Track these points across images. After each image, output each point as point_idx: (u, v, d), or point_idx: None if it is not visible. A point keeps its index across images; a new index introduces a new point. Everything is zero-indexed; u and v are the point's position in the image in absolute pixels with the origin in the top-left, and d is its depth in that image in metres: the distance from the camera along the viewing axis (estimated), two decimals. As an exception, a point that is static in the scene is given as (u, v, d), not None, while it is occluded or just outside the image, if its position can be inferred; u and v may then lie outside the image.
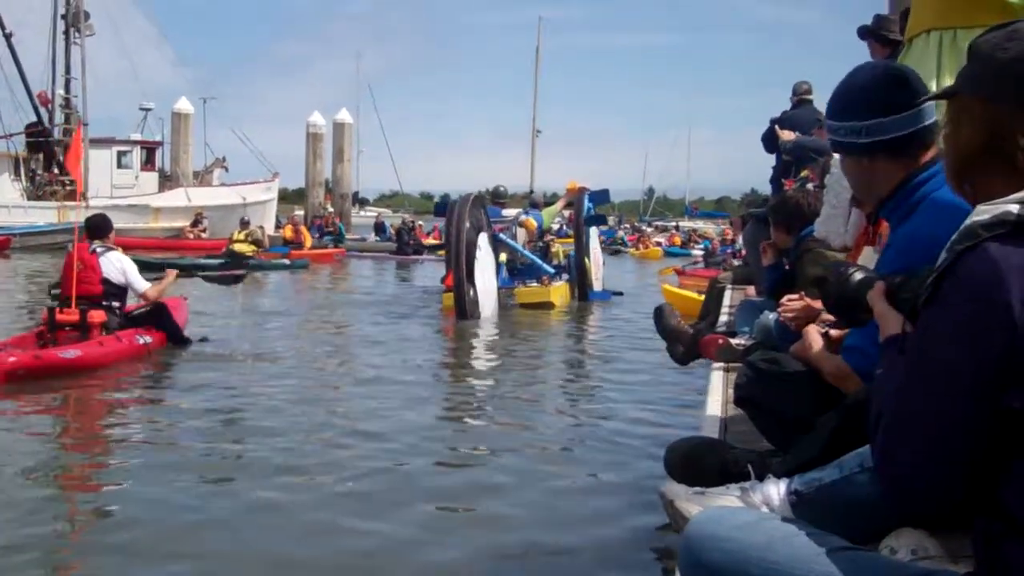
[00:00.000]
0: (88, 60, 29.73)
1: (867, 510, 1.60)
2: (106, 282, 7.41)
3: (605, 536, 3.60)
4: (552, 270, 13.24)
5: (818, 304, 2.45)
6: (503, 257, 12.74)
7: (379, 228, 32.12)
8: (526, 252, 13.23)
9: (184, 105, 33.87)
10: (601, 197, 15.22)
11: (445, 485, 4.25)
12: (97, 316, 7.11)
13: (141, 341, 7.47)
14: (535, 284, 12.69)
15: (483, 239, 11.58)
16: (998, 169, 1.27)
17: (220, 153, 33.79)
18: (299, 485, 4.11)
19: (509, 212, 14.07)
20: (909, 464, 1.22)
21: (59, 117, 29.41)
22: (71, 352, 6.66)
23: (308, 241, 24.73)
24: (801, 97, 7.29)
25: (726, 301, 6.95)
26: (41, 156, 28.60)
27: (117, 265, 7.56)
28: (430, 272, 19.07)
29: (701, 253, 27.79)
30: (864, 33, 5.10)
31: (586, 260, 13.60)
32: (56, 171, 28.10)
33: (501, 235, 12.89)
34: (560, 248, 14.59)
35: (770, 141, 6.93)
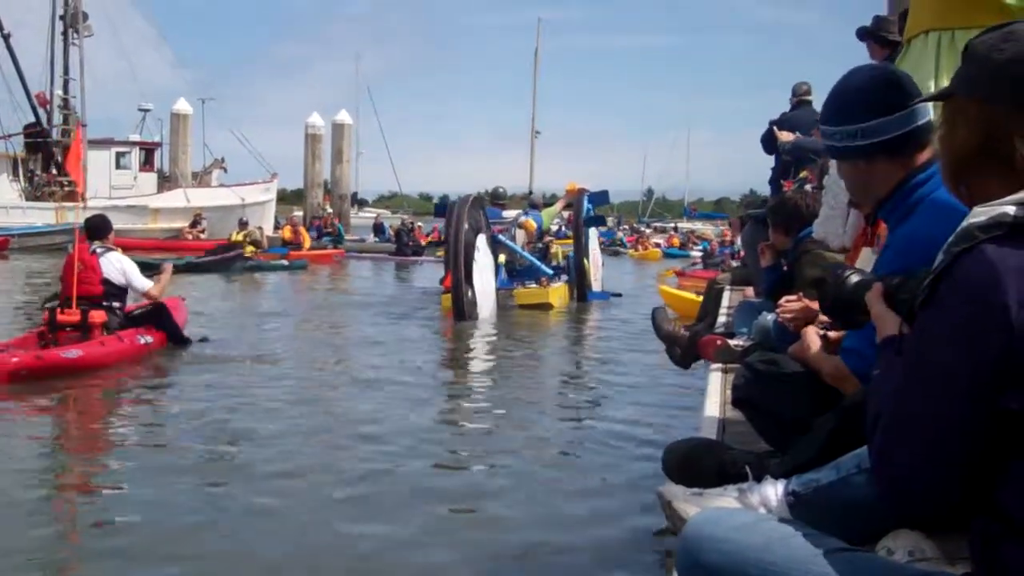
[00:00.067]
0: (86, 61, 29.78)
1: (864, 511, 1.59)
2: (106, 282, 7.43)
3: (603, 537, 3.60)
4: (551, 271, 13.24)
5: (816, 305, 2.45)
6: (502, 258, 12.74)
7: (378, 229, 32.13)
8: (525, 253, 13.23)
9: (183, 106, 33.87)
10: (600, 198, 15.23)
11: (443, 487, 4.25)
12: (98, 316, 7.14)
13: (142, 341, 7.51)
14: (534, 285, 12.70)
15: (481, 240, 11.58)
16: (994, 170, 1.27)
17: (219, 154, 33.77)
18: (298, 488, 4.11)
19: (509, 213, 14.07)
20: (906, 465, 1.22)
21: (57, 118, 29.40)
22: (73, 352, 6.69)
23: (307, 242, 24.72)
24: (800, 98, 7.29)
25: (724, 302, 6.94)
26: (39, 157, 28.58)
27: (117, 266, 7.58)
28: (429, 273, 19.07)
29: (700, 254, 27.81)
30: (863, 34, 5.10)
31: (585, 261, 13.61)
32: (54, 172, 28.08)
33: (500, 236, 12.90)
34: (559, 249, 14.59)
35: (769, 142, 6.93)
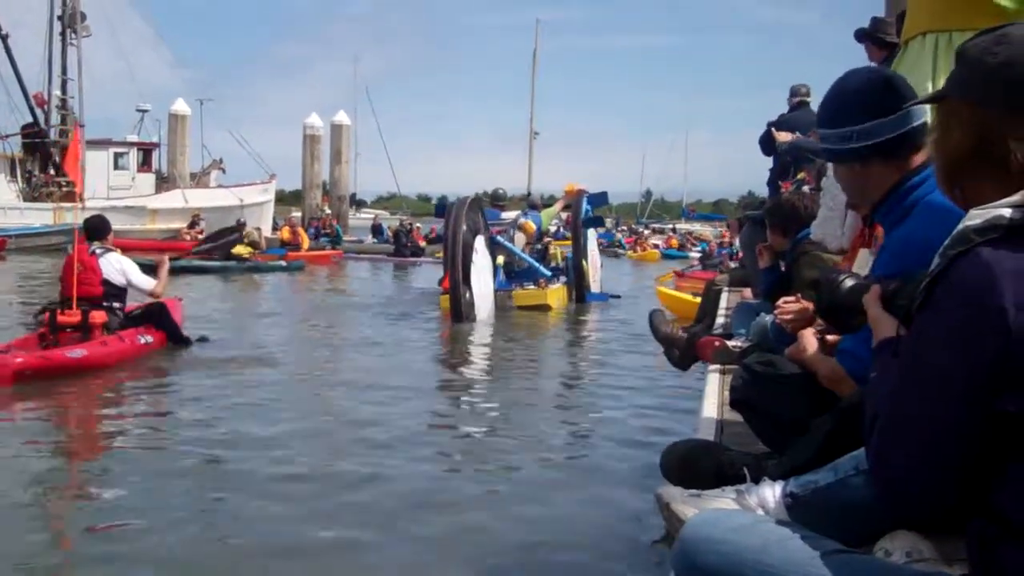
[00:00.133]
0: (84, 61, 29.77)
1: (862, 513, 1.60)
2: (106, 283, 7.45)
3: (601, 538, 3.60)
4: (549, 273, 13.25)
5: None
6: (500, 260, 12.75)
7: (376, 230, 32.15)
8: (524, 255, 13.23)
9: (181, 106, 33.84)
10: (600, 199, 15.25)
11: (441, 489, 4.23)
12: (98, 317, 7.16)
13: (143, 341, 7.55)
14: (532, 287, 12.70)
15: (479, 242, 11.58)
16: (988, 173, 1.27)
17: (217, 155, 33.74)
18: (296, 492, 4.08)
19: (508, 215, 14.08)
20: (903, 467, 1.22)
21: (55, 118, 29.37)
22: (77, 352, 6.72)
23: (305, 243, 24.73)
24: (800, 99, 7.30)
25: (722, 303, 6.96)
26: (37, 157, 28.56)
27: (117, 266, 7.59)
28: (427, 274, 19.07)
29: (698, 255, 27.82)
30: (861, 36, 5.11)
31: (584, 262, 13.61)
32: (52, 172, 28.04)
33: (499, 238, 12.90)
34: (558, 250, 14.60)
35: (767, 144, 6.94)
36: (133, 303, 8.03)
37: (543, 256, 13.83)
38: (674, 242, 39.21)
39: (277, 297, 15.11)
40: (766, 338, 3.51)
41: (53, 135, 28.85)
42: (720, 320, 6.26)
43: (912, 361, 1.23)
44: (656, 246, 36.61)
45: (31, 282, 15.15)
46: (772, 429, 2.42)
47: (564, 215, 16.00)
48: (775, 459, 2.16)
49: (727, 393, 2.88)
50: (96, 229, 7.80)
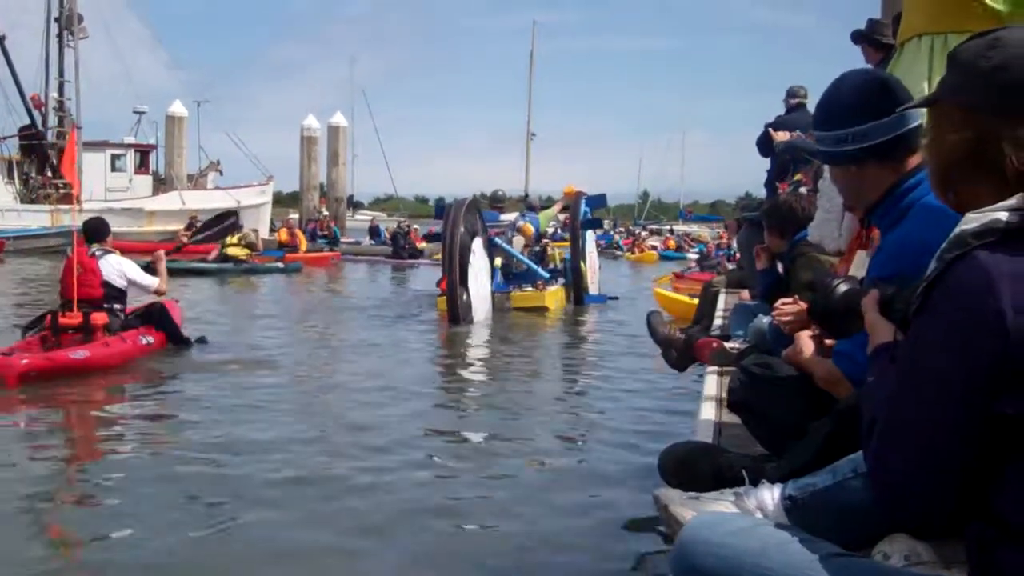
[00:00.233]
0: (81, 63, 29.73)
1: (860, 515, 1.60)
2: (106, 285, 7.47)
3: (599, 540, 3.60)
4: (547, 275, 13.25)
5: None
6: (498, 261, 12.75)
7: (374, 232, 32.14)
8: (522, 257, 13.24)
9: (178, 108, 33.80)
10: (598, 201, 15.26)
11: (438, 493, 4.21)
12: (100, 319, 7.19)
13: (144, 341, 7.59)
14: (530, 288, 12.71)
15: (477, 244, 11.58)
16: (982, 177, 1.27)
17: (214, 156, 33.79)
18: (294, 498, 4.04)
19: (507, 216, 14.07)
20: (901, 472, 1.22)
21: (52, 120, 29.36)
22: (80, 353, 6.76)
23: (303, 244, 24.71)
24: (798, 101, 7.31)
25: (720, 305, 6.96)
26: (34, 159, 28.53)
27: (117, 268, 7.60)
28: (426, 276, 19.06)
29: (696, 257, 27.83)
30: (857, 37, 5.12)
31: (582, 264, 13.61)
32: (50, 174, 28.02)
33: (497, 239, 12.91)
34: (556, 252, 14.60)
35: (765, 145, 6.95)
36: (132, 304, 8.02)
37: (541, 258, 13.84)
38: (671, 243, 39.20)
39: (275, 299, 15.10)
40: (764, 340, 3.51)
41: (50, 137, 28.83)
42: (718, 321, 6.26)
43: (910, 365, 1.23)
44: (654, 247, 36.60)
45: (29, 284, 15.14)
46: (770, 431, 2.43)
47: (562, 217, 16.00)
48: (773, 461, 2.17)
49: (725, 395, 2.88)
50: (96, 231, 7.80)
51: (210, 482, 4.25)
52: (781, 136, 6.52)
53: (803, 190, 5.07)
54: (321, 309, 13.40)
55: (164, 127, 33.35)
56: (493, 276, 12.32)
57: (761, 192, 8.01)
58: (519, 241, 13.43)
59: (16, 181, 27.87)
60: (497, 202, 14.73)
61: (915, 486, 1.21)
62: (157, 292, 8.00)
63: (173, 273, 8.90)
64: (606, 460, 4.89)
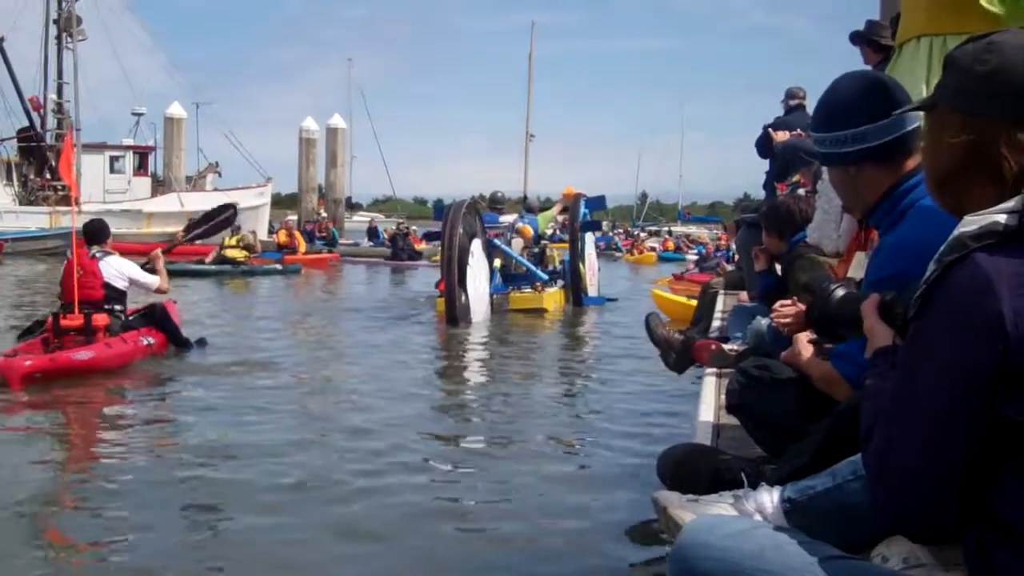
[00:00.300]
0: (80, 65, 29.69)
1: (860, 518, 1.59)
2: (107, 286, 7.49)
3: (598, 542, 3.59)
4: (546, 276, 13.26)
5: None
6: (497, 263, 12.76)
7: (372, 233, 32.15)
8: (521, 259, 13.24)
9: (177, 110, 33.78)
10: (597, 203, 15.28)
11: (435, 497, 4.20)
12: (101, 320, 7.21)
13: (145, 343, 7.63)
14: (529, 290, 12.71)
15: (476, 245, 11.59)
16: (979, 180, 1.27)
17: (213, 158, 33.73)
18: (292, 504, 4.02)
19: (506, 218, 14.09)
20: (901, 478, 1.22)
21: (51, 122, 29.34)
22: (84, 354, 6.81)
23: (302, 246, 24.70)
24: (798, 102, 7.31)
25: (719, 306, 6.95)
26: (33, 161, 28.51)
27: (117, 269, 7.63)
28: (424, 277, 19.05)
29: (695, 258, 27.84)
30: (856, 39, 5.12)
31: (581, 266, 13.62)
32: (48, 176, 28.01)
33: (496, 241, 12.91)
34: (555, 253, 14.61)
35: (763, 146, 6.95)
36: (131, 306, 8.05)
37: (540, 259, 13.84)
38: (670, 244, 39.21)
39: (274, 301, 15.10)
40: (762, 341, 3.51)
41: (49, 139, 28.81)
42: (716, 323, 6.25)
43: (909, 368, 1.23)
44: (652, 249, 36.60)
45: (28, 286, 15.12)
46: (769, 433, 2.42)
47: (561, 218, 16.00)
48: (772, 464, 2.16)
49: (723, 397, 2.87)
50: (96, 233, 7.82)
51: (209, 487, 4.24)
52: (781, 136, 6.52)
53: (801, 191, 5.08)
54: (320, 311, 13.39)
55: (163, 129, 33.33)
56: (492, 277, 12.33)
57: (760, 193, 8.02)
58: (518, 243, 13.44)
59: (15, 183, 27.86)
60: (496, 204, 14.74)
61: (916, 492, 1.21)
62: (159, 290, 8.06)
63: (170, 275, 8.88)
64: (604, 462, 4.89)
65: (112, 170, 30.32)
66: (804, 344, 2.28)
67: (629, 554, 3.49)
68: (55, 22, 29.35)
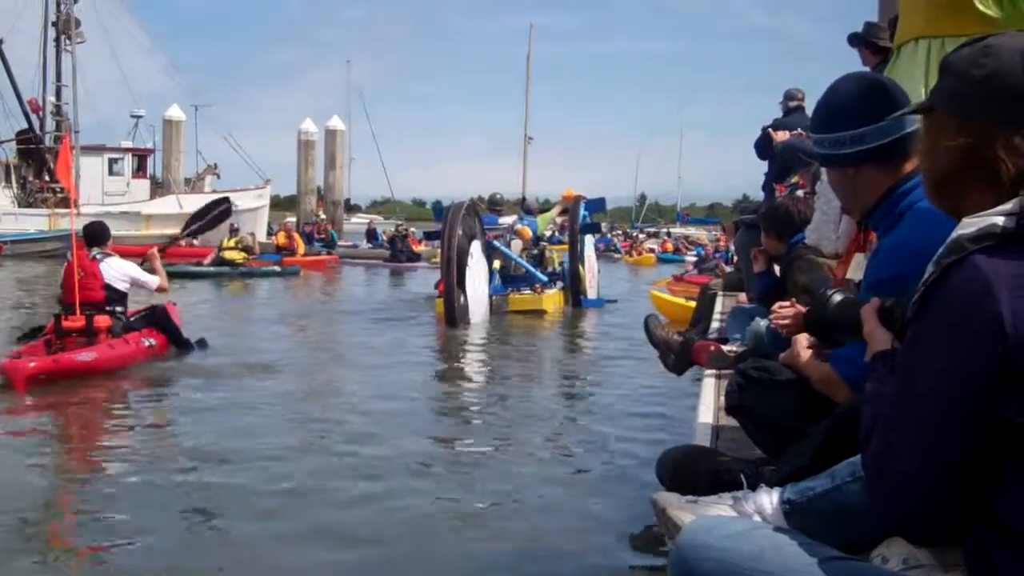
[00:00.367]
0: (79, 67, 29.66)
1: (859, 519, 1.59)
2: (108, 288, 7.52)
3: (597, 544, 3.60)
4: (545, 278, 13.26)
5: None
6: (497, 264, 12.76)
7: (371, 235, 32.14)
8: (520, 260, 13.25)
9: (175, 112, 33.76)
10: (597, 205, 15.31)
11: (433, 500, 4.20)
12: (103, 321, 7.24)
13: (147, 344, 7.68)
14: (528, 291, 12.71)
15: (475, 247, 11.59)
16: (976, 183, 1.28)
17: (212, 160, 33.69)
18: (290, 509, 4.02)
19: (505, 220, 14.10)
20: (901, 481, 1.22)
21: (50, 124, 29.31)
22: (87, 355, 6.85)
23: (301, 248, 24.69)
24: (797, 103, 7.31)
25: (717, 307, 6.95)
26: (32, 163, 28.49)
27: (118, 270, 7.64)
28: (424, 279, 19.05)
29: (694, 259, 27.84)
30: (854, 40, 5.12)
31: (580, 268, 13.62)
32: (47, 178, 27.97)
33: (496, 242, 12.92)
34: (555, 255, 14.62)
35: (762, 148, 6.95)
36: (131, 307, 8.06)
37: (539, 261, 13.85)
38: (669, 246, 39.21)
39: (273, 302, 15.09)
40: (761, 343, 3.50)
41: (48, 141, 28.78)
42: (715, 324, 6.25)
43: (908, 371, 1.23)
44: (651, 250, 36.60)
45: (26, 288, 15.11)
46: (768, 435, 2.42)
47: (559, 220, 16.01)
48: (772, 465, 2.16)
49: (722, 398, 2.87)
50: (96, 235, 7.84)
51: (209, 490, 4.24)
52: (781, 135, 6.52)
53: (800, 193, 5.08)
54: (319, 312, 13.40)
55: (162, 131, 33.30)
56: (491, 279, 12.33)
57: (759, 195, 8.02)
58: (517, 244, 13.44)
59: (13, 185, 27.83)
60: (495, 205, 14.75)
61: (914, 495, 1.21)
62: (159, 289, 8.10)
63: (169, 276, 8.89)
64: (604, 464, 4.89)
65: (111, 172, 30.30)
66: (803, 345, 2.28)
67: (629, 556, 3.49)
68: (54, 24, 29.34)
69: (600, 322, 12.37)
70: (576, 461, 5.05)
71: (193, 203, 28.91)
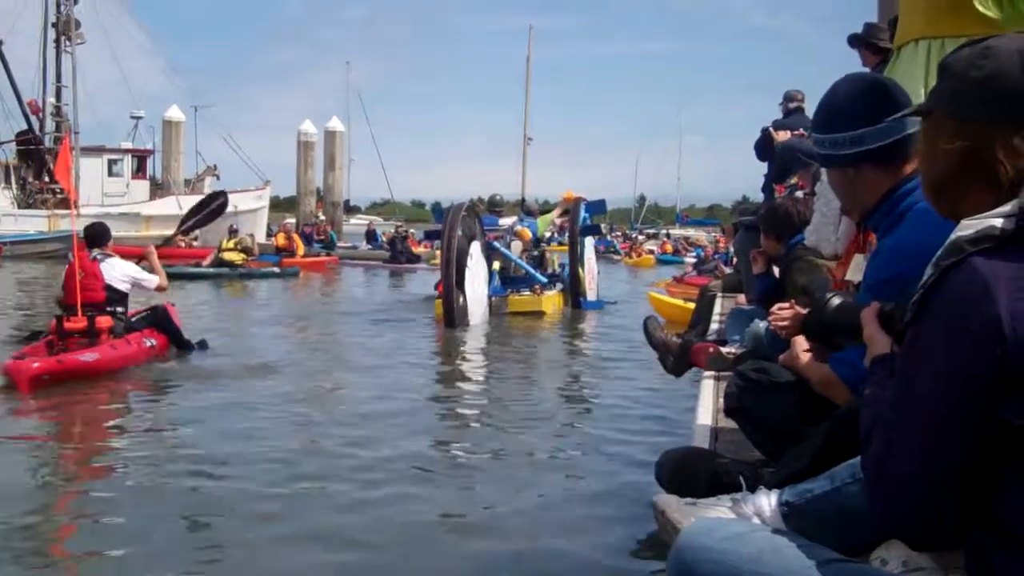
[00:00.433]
0: (79, 68, 29.72)
1: (858, 521, 1.59)
2: (109, 288, 7.53)
3: (596, 546, 3.59)
4: (545, 279, 13.27)
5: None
6: (496, 265, 12.76)
7: (370, 236, 32.15)
8: (520, 262, 13.25)
9: (175, 113, 33.79)
10: (597, 207, 15.32)
11: (433, 502, 4.19)
12: (104, 322, 7.27)
13: (148, 344, 7.72)
14: (528, 293, 12.71)
15: (475, 248, 11.59)
16: (975, 185, 1.28)
17: (212, 161, 33.69)
18: (288, 512, 3.99)
19: (505, 221, 14.11)
20: (900, 484, 1.22)
21: (50, 125, 29.35)
22: (90, 356, 6.87)
23: (300, 248, 24.69)
24: (797, 105, 7.32)
25: (717, 309, 6.95)
26: (32, 164, 28.50)
27: (118, 271, 7.67)
28: (423, 279, 19.05)
29: (694, 261, 27.84)
30: (854, 41, 5.12)
31: (580, 270, 13.62)
32: (47, 179, 27.99)
33: (495, 243, 12.92)
34: (555, 256, 14.62)
35: (762, 149, 6.95)
36: (132, 307, 8.08)
37: (539, 262, 13.85)
38: (668, 247, 39.22)
39: (272, 303, 15.09)
40: (760, 344, 3.50)
41: (48, 142, 28.80)
42: (714, 326, 6.25)
43: (907, 374, 1.23)
44: (651, 251, 36.62)
45: (26, 289, 15.11)
46: (767, 436, 2.42)
47: (559, 221, 16.01)
48: (771, 467, 2.16)
49: (722, 400, 2.87)
50: (97, 236, 7.85)
51: (207, 494, 4.22)
52: (782, 135, 6.52)
53: (800, 194, 5.08)
54: (318, 313, 13.39)
55: (161, 132, 33.35)
56: (491, 280, 12.33)
57: (758, 196, 8.02)
58: (517, 245, 13.44)
59: (13, 186, 27.86)
60: (495, 206, 14.76)
61: (913, 497, 1.21)
62: (159, 288, 8.12)
63: (169, 277, 8.88)
64: (603, 466, 4.89)
65: (110, 173, 30.31)
66: (802, 347, 2.28)
67: (628, 557, 3.48)
68: (54, 25, 29.37)
69: (599, 324, 12.36)
70: (575, 463, 5.04)
71: (193, 204, 29.02)
